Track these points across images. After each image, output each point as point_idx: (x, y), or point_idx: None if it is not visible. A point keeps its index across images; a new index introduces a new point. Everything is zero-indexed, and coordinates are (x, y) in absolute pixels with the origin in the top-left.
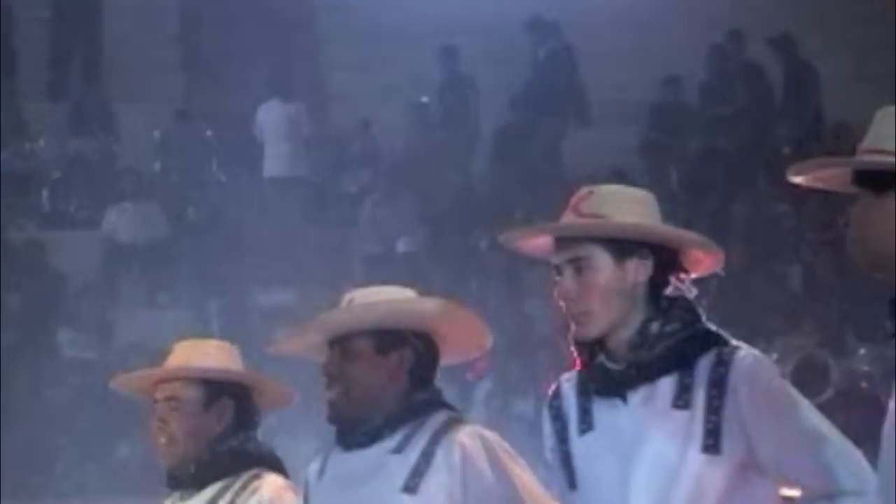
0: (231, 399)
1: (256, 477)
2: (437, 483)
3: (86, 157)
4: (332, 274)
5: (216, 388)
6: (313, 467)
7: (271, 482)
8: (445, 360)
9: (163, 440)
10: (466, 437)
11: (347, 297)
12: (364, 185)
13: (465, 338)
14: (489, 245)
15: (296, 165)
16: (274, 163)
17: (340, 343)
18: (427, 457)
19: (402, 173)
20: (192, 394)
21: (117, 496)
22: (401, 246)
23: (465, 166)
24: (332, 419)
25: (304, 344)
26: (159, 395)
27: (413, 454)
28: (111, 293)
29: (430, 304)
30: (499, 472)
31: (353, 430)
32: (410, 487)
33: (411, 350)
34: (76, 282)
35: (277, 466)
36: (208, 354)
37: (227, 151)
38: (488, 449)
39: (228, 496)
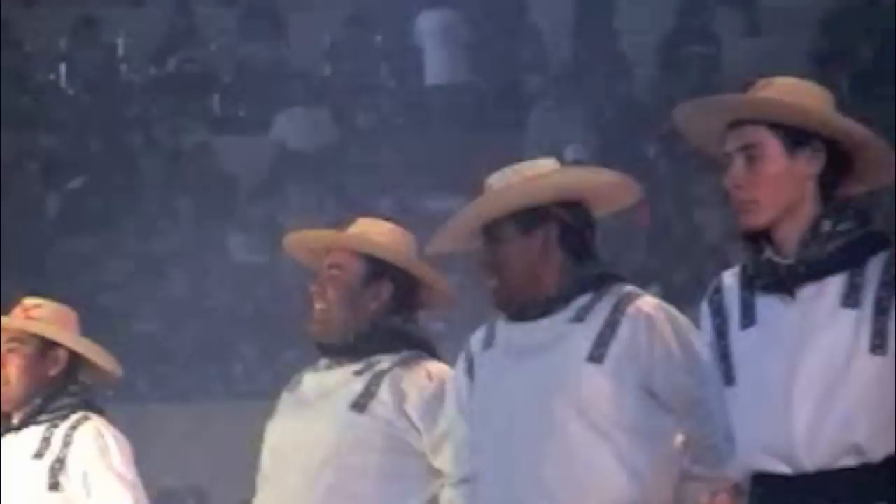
0: (392, 283)
1: (418, 359)
2: (624, 352)
3: (256, 61)
4: None
5: (380, 267)
6: (478, 336)
7: (435, 365)
8: (601, 214)
9: (318, 306)
10: (651, 307)
11: (488, 182)
12: (533, 93)
13: (613, 194)
14: (658, 153)
15: (460, 72)
16: (437, 69)
17: (489, 231)
18: (612, 326)
19: (570, 80)
20: (356, 266)
21: None
22: (569, 153)
23: (632, 74)
24: (498, 305)
25: (457, 239)
26: (326, 262)
27: (596, 323)
28: (281, 198)
29: (564, 176)
30: (685, 343)
31: (523, 308)
32: (595, 357)
33: (556, 223)
34: (246, 186)
35: (435, 352)
36: (383, 234)
37: (396, 57)
38: (672, 319)
39: (384, 366)
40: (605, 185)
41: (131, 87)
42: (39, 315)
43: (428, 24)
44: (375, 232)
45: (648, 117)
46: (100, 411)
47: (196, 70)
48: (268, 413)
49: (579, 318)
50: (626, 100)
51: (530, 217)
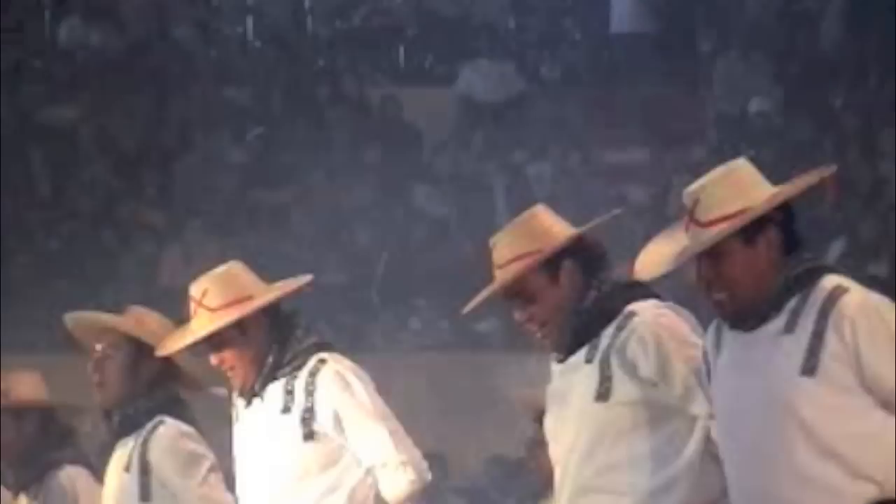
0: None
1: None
2: (835, 360)
3: (441, 13)
4: (685, 134)
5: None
6: (709, 338)
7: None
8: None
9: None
10: (854, 309)
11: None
12: (717, 45)
13: (816, 187)
14: (843, 104)
15: (645, 23)
16: (621, 20)
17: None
18: (818, 334)
19: (755, 32)
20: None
21: (473, 353)
22: (754, 105)
23: (817, 27)
24: (725, 318)
25: (667, 265)
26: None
27: (805, 333)
28: (466, 149)
29: (783, 190)
30: (886, 342)
31: (745, 318)
32: (808, 370)
33: (774, 227)
34: (431, 138)
35: None
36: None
37: (581, 8)
38: (875, 315)
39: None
40: (810, 185)
41: (317, 40)
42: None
43: None
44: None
45: (834, 69)
46: (330, 348)
47: (381, 23)
48: (449, 365)
49: (789, 328)
50: (810, 52)
51: (753, 227)
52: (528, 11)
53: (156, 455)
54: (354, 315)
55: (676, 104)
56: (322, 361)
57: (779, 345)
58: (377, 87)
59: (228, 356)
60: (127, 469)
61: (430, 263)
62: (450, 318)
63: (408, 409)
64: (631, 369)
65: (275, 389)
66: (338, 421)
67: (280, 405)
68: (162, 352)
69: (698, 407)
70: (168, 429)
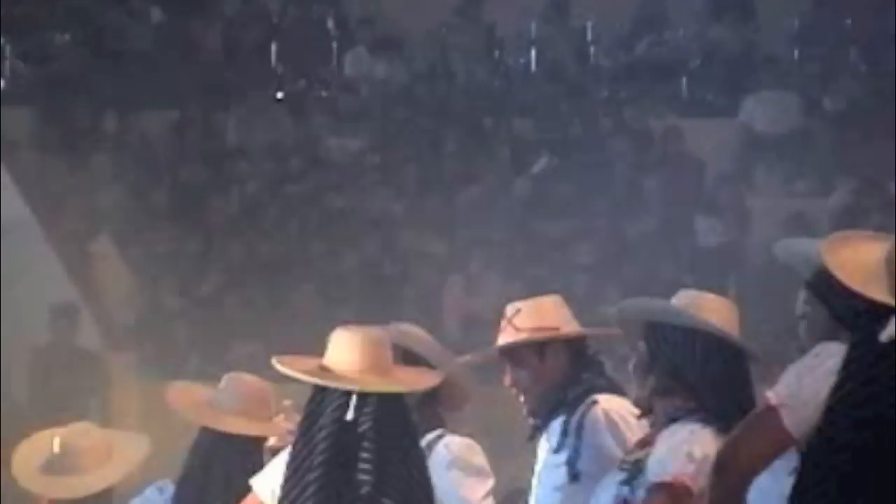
0: None
1: None
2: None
3: (725, 45)
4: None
5: None
6: None
7: None
8: None
9: None
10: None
11: None
12: None
13: None
14: None
15: None
16: None
17: None
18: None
19: None
20: None
21: None
22: None
23: None
24: None
25: None
26: None
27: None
28: (747, 181)
29: None
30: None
31: None
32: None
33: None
34: (713, 169)
35: None
36: None
37: (866, 39)
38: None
39: None
40: None
41: (600, 72)
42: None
43: None
44: None
45: None
46: (610, 389)
47: (664, 55)
48: None
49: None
50: None
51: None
52: (811, 43)
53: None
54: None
55: None
56: (595, 402)
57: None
58: (660, 118)
59: (522, 378)
60: None
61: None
62: None
63: None
64: None
65: (555, 426)
66: (601, 460)
67: (555, 442)
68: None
69: None
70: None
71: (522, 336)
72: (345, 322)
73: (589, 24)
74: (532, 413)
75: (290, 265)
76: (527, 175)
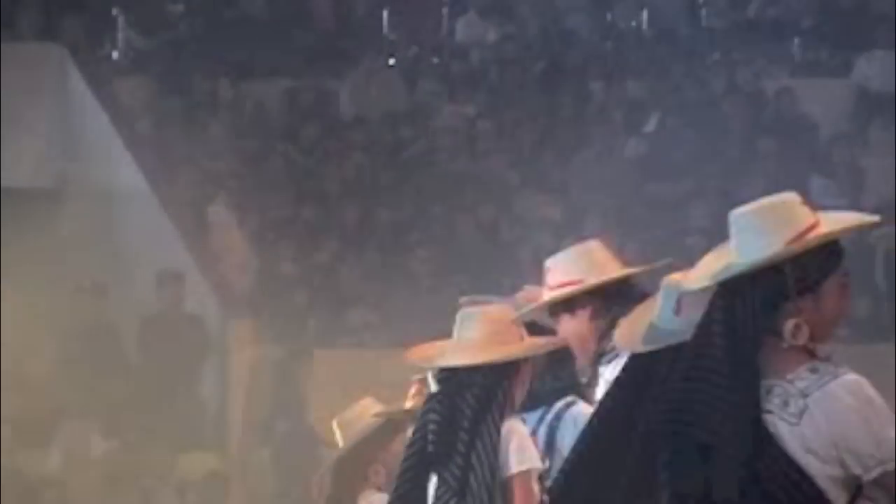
0: None
1: None
2: None
3: (838, 3)
4: None
5: None
6: None
7: None
8: None
9: None
10: None
11: None
12: None
13: None
14: None
15: None
16: None
17: None
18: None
19: None
20: None
21: None
22: None
23: None
24: None
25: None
26: None
27: None
28: (862, 142)
29: None
30: None
31: None
32: None
33: None
34: (827, 130)
35: None
36: None
37: None
38: None
39: None
40: None
41: (712, 33)
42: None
43: None
44: None
45: None
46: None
47: (777, 14)
48: None
49: None
50: None
51: None
52: None
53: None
54: None
55: None
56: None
57: None
58: (772, 79)
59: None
60: None
61: None
62: None
63: None
64: None
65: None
66: None
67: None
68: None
69: None
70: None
71: (552, 294)
72: (462, 291)
73: None
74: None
75: (405, 231)
76: (639, 136)
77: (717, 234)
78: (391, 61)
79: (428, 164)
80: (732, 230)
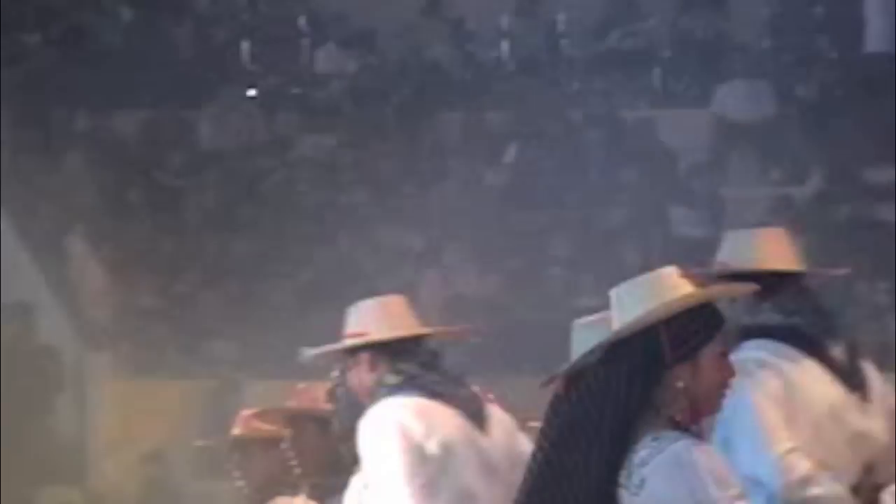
0: None
1: None
2: None
3: (695, 35)
4: None
5: None
6: None
7: None
8: None
9: None
10: None
11: None
12: None
13: None
14: None
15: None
16: (877, 39)
17: None
18: None
19: None
20: None
21: None
22: None
23: None
24: None
25: None
26: None
27: None
28: (721, 171)
29: None
30: None
31: None
32: None
33: None
34: (687, 159)
35: None
36: None
37: (836, 27)
38: None
39: None
40: None
41: (572, 62)
42: None
43: None
44: None
45: None
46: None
47: (636, 44)
48: None
49: None
50: None
51: None
52: (783, 31)
53: None
54: None
55: None
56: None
57: None
58: (632, 109)
59: None
60: None
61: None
62: None
63: None
64: None
65: None
66: None
67: None
68: None
69: None
70: None
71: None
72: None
73: (560, 16)
74: None
75: (265, 262)
76: (499, 166)
77: (578, 264)
78: (251, 92)
79: (287, 195)
80: (613, 304)
